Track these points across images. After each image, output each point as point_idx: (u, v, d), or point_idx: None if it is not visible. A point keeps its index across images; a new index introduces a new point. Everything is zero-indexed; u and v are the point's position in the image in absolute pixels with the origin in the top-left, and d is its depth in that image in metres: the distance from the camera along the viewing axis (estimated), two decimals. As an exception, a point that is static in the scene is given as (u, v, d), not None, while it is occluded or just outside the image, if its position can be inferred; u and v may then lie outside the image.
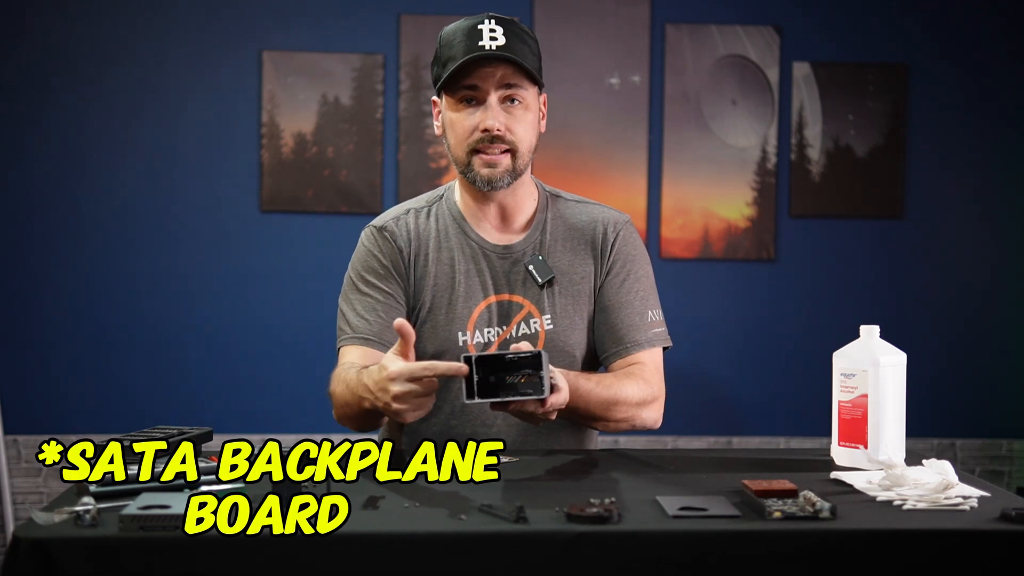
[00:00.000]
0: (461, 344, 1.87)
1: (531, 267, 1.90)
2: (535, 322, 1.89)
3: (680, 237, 3.92)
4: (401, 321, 1.60)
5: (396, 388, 1.57)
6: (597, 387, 1.77)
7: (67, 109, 3.79)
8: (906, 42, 3.95)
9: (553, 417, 1.61)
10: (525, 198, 1.94)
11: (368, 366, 1.72)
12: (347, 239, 3.80)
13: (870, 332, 1.68)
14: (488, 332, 1.89)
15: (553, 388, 1.57)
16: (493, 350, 1.87)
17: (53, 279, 3.81)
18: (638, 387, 1.84)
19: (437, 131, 1.91)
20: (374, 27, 3.85)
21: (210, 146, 3.84)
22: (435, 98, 1.90)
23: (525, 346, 1.55)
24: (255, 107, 3.83)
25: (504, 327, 1.89)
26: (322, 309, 3.76)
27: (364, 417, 1.77)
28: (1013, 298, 4.00)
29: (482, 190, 1.87)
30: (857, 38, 3.95)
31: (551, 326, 1.89)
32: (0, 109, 3.79)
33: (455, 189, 1.97)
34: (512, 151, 1.84)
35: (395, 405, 1.58)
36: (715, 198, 3.92)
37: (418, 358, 1.88)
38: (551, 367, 1.59)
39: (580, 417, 1.80)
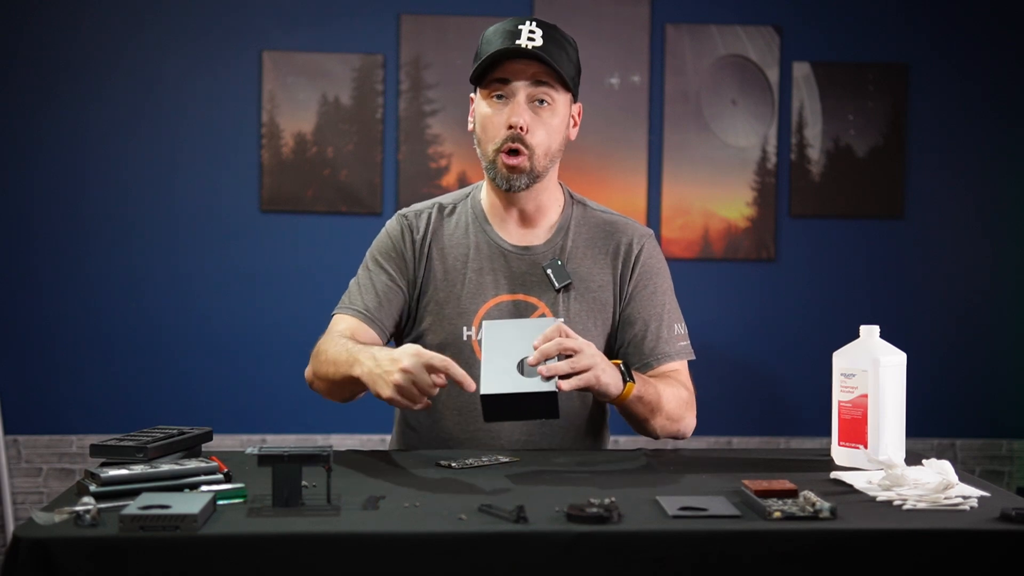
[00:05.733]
0: (465, 339, 1.89)
1: (549, 270, 1.91)
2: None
3: (680, 237, 3.91)
4: (448, 364, 1.60)
5: (407, 363, 1.59)
6: (659, 383, 1.83)
7: (67, 109, 3.79)
8: (906, 42, 3.95)
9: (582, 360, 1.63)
10: (549, 202, 1.95)
11: (356, 339, 1.81)
12: (347, 239, 3.86)
13: (870, 332, 1.68)
14: None
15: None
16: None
17: (53, 279, 3.81)
18: (678, 391, 1.89)
19: (469, 127, 1.92)
20: (374, 27, 3.85)
21: (210, 146, 3.84)
22: (472, 95, 1.91)
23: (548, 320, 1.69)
24: (255, 107, 3.83)
25: None
26: (323, 309, 3.74)
27: (343, 383, 1.78)
28: (1013, 298, 4.00)
29: (501, 188, 1.88)
30: (857, 38, 3.95)
31: None
32: (1, 109, 3.79)
33: (482, 188, 1.98)
34: (529, 154, 1.85)
35: (395, 377, 1.59)
36: (715, 198, 3.92)
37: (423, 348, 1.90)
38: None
39: (639, 414, 1.81)
